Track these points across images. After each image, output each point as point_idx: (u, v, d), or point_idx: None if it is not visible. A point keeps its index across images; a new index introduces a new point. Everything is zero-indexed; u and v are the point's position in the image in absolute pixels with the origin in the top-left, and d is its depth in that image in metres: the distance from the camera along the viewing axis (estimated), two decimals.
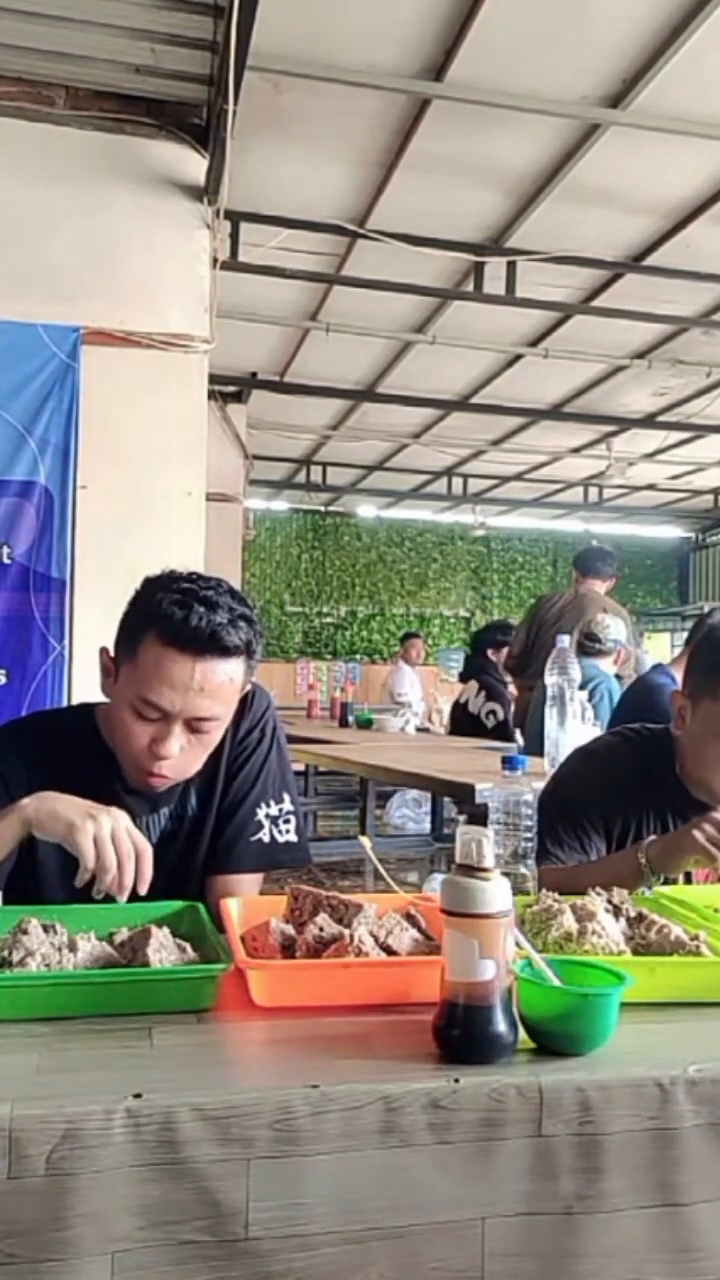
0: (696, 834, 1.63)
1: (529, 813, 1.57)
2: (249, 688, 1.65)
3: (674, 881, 1.82)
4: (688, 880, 1.86)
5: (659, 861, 1.69)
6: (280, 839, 1.72)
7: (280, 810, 1.73)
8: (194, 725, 1.55)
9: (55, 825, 1.43)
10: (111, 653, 1.62)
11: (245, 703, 1.67)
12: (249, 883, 1.70)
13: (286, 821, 1.73)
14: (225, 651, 1.53)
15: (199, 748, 1.58)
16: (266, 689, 1.78)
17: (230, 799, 1.70)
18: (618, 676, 4.92)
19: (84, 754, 1.65)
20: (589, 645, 4.81)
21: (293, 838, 1.73)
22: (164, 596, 1.54)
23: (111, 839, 1.41)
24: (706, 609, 9.12)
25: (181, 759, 1.56)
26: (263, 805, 1.72)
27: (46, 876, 1.57)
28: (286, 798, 1.75)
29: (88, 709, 1.72)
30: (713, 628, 1.91)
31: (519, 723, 6.13)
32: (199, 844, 1.69)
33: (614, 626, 4.98)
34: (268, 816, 1.71)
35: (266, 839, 1.70)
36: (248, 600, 1.60)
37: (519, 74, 3.80)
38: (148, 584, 1.60)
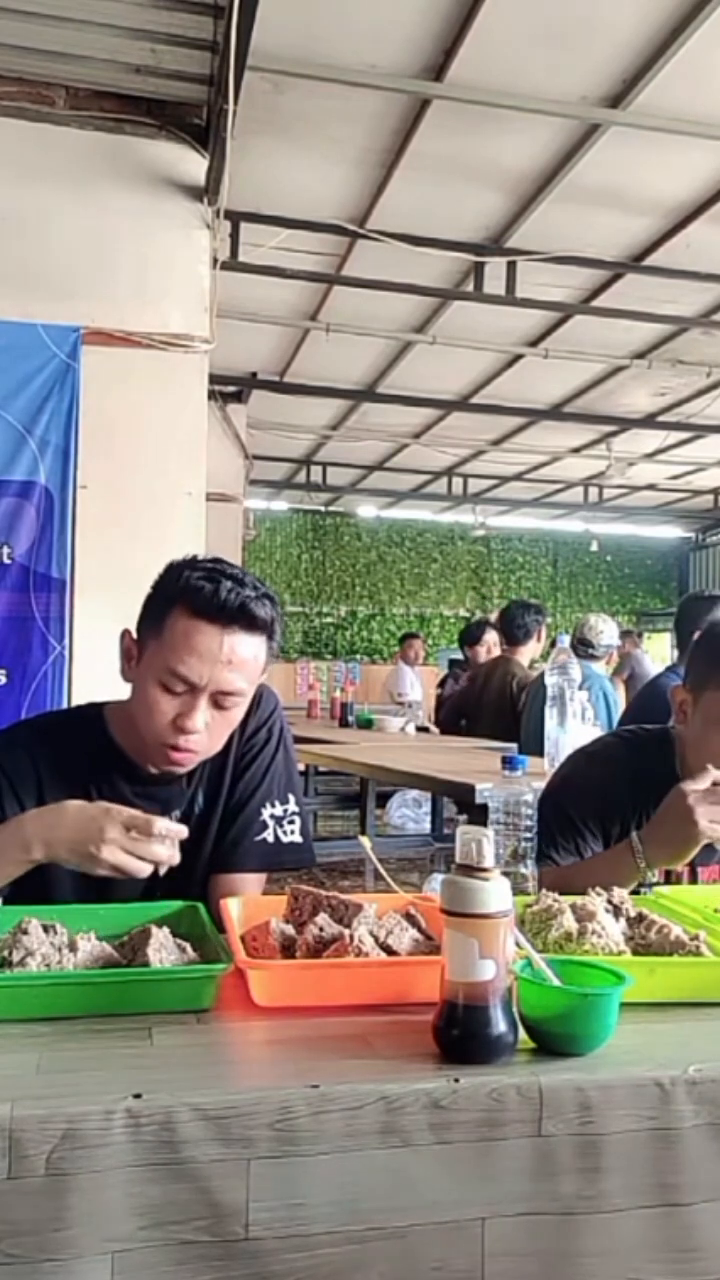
0: (704, 826, 1.61)
1: (529, 813, 1.57)
2: (260, 685, 1.66)
3: (675, 880, 1.82)
4: (692, 880, 1.86)
5: (658, 858, 1.68)
6: (285, 839, 1.71)
7: (285, 811, 1.72)
8: (218, 700, 1.56)
9: (71, 859, 1.45)
10: (135, 635, 1.63)
11: (253, 702, 1.67)
12: (252, 882, 1.69)
13: (291, 822, 1.72)
14: (252, 624, 1.55)
15: (223, 724, 1.59)
16: (275, 691, 1.79)
17: (236, 798, 1.70)
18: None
19: (92, 754, 1.64)
20: (582, 649, 4.91)
21: (297, 839, 1.73)
22: (190, 574, 1.57)
23: (128, 852, 1.41)
24: (691, 594, 9.13)
25: (206, 735, 1.57)
26: (268, 805, 1.71)
27: (57, 876, 1.57)
28: (292, 798, 1.74)
29: (96, 709, 1.71)
30: (714, 623, 1.91)
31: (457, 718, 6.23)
32: (204, 842, 1.68)
33: (606, 631, 5.08)
34: (272, 817, 1.71)
35: (271, 839, 1.70)
36: (270, 590, 1.62)
37: (519, 74, 3.80)
38: (171, 566, 1.63)
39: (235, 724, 1.63)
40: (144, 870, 1.43)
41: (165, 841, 1.43)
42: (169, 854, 1.44)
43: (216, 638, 1.53)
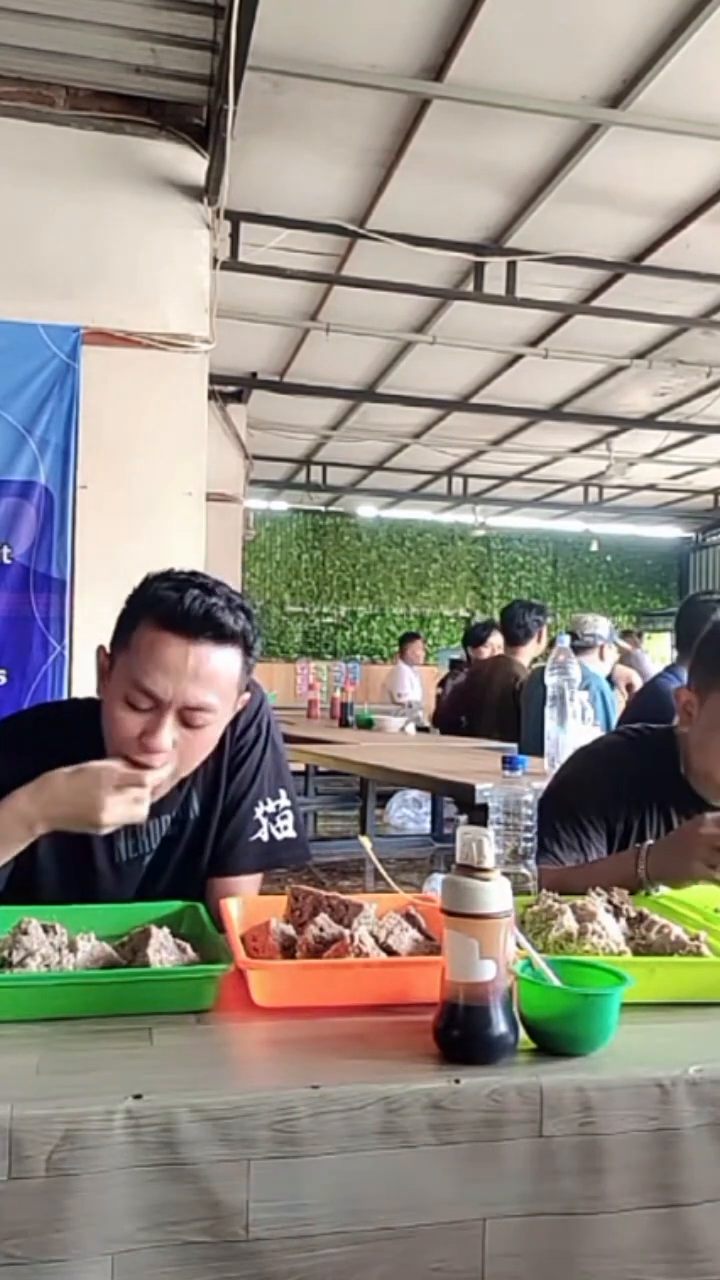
0: (698, 865, 1.61)
1: (529, 813, 1.57)
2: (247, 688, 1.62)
3: None
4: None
5: (659, 878, 1.67)
6: (279, 836, 1.69)
7: (277, 806, 1.70)
8: (187, 716, 1.49)
9: (75, 828, 1.47)
10: (108, 650, 1.60)
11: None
12: (249, 884, 1.68)
13: (284, 818, 1.70)
14: (220, 635, 1.49)
15: (193, 744, 1.53)
16: (262, 686, 1.76)
17: (229, 799, 1.68)
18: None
19: (90, 750, 1.60)
20: (570, 641, 4.90)
21: (291, 834, 1.70)
22: (159, 586, 1.53)
23: (122, 800, 1.45)
24: (693, 594, 9.17)
25: (174, 755, 1.51)
26: (260, 803, 1.68)
27: (45, 877, 1.57)
28: (283, 793, 1.71)
29: (95, 704, 1.68)
30: (718, 623, 1.90)
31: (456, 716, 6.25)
32: (203, 847, 1.66)
33: (590, 622, 5.08)
34: (265, 814, 1.68)
35: (265, 838, 1.68)
36: (246, 602, 1.57)
37: (519, 74, 3.80)
38: (145, 579, 1.59)
39: (210, 744, 1.56)
40: (144, 815, 1.49)
41: (155, 787, 1.48)
42: (160, 783, 1.49)
43: (182, 649, 1.47)
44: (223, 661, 1.50)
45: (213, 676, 1.49)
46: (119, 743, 1.52)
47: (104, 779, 1.43)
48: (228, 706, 1.55)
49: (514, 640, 5.82)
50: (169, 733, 1.49)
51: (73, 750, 1.59)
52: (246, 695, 1.61)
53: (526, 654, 5.81)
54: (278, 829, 1.69)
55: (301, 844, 1.73)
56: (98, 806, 1.42)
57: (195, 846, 1.67)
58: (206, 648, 1.48)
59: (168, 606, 1.49)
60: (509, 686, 5.64)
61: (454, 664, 7.74)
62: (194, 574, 1.57)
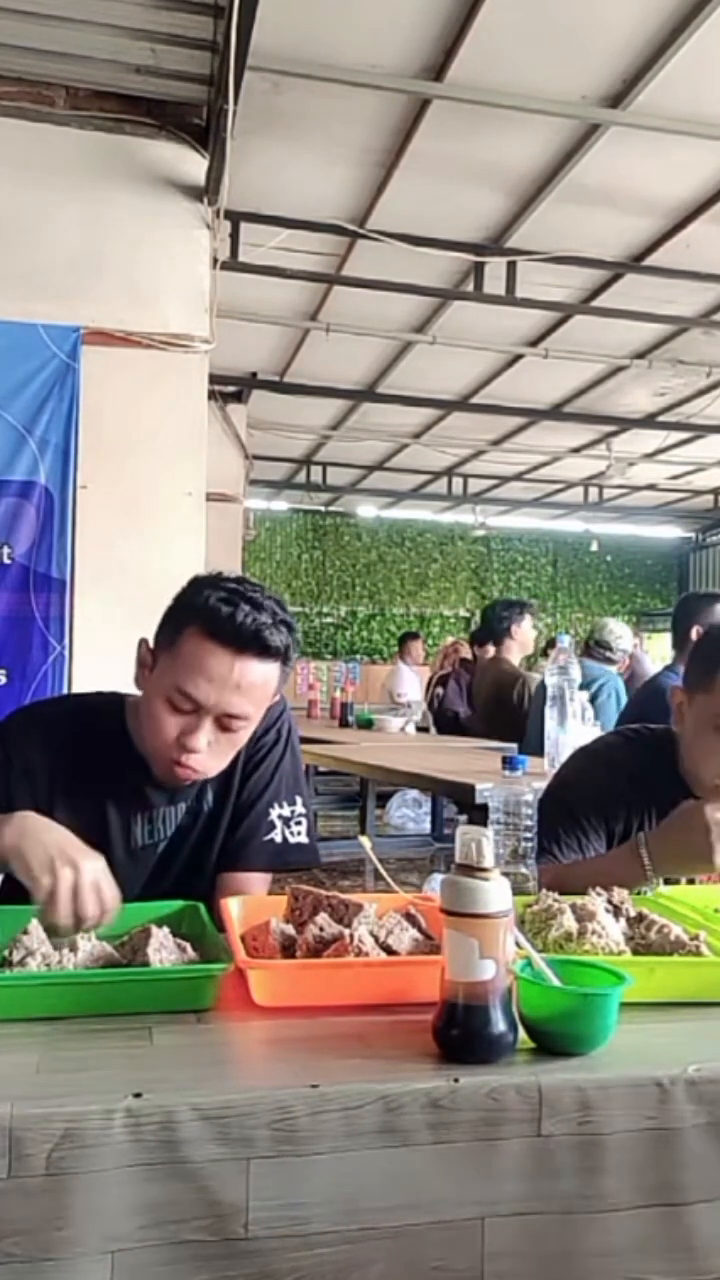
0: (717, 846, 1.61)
1: (529, 813, 1.57)
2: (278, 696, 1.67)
3: (676, 882, 1.81)
4: (690, 880, 1.85)
5: (664, 864, 1.68)
6: (292, 840, 1.73)
7: (292, 811, 1.75)
8: (224, 722, 1.57)
9: (18, 864, 1.38)
10: (151, 645, 1.64)
11: None
12: (258, 882, 1.71)
13: (298, 823, 1.75)
14: (265, 651, 1.55)
15: (226, 746, 1.60)
16: (284, 695, 1.80)
17: (244, 797, 1.72)
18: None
19: (113, 741, 1.66)
20: (599, 652, 4.96)
21: (304, 839, 1.75)
22: (211, 593, 1.57)
23: (73, 892, 1.34)
24: (689, 592, 9.21)
25: (208, 755, 1.58)
26: (276, 806, 1.73)
27: None
28: (299, 800, 1.76)
29: (120, 698, 1.73)
30: (713, 625, 1.91)
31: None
32: (213, 840, 1.71)
33: (625, 636, 5.13)
34: (280, 817, 1.73)
35: (278, 839, 1.72)
36: (289, 616, 1.61)
37: (519, 74, 3.80)
38: (195, 581, 1.63)
39: (240, 745, 1.63)
40: (60, 914, 1.34)
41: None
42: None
43: (228, 661, 1.53)
44: (263, 674, 1.57)
45: (252, 688, 1.56)
46: (158, 740, 1.58)
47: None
48: (260, 713, 1.62)
49: (498, 640, 5.87)
50: (205, 735, 1.56)
51: (98, 743, 1.65)
52: (276, 698, 1.66)
53: (511, 651, 5.84)
54: (291, 833, 1.74)
55: (312, 849, 1.78)
56: (50, 859, 1.36)
57: (206, 839, 1.71)
58: (251, 661, 1.55)
59: (220, 619, 1.53)
60: (499, 686, 5.67)
61: (463, 662, 7.77)
62: (243, 580, 1.62)
